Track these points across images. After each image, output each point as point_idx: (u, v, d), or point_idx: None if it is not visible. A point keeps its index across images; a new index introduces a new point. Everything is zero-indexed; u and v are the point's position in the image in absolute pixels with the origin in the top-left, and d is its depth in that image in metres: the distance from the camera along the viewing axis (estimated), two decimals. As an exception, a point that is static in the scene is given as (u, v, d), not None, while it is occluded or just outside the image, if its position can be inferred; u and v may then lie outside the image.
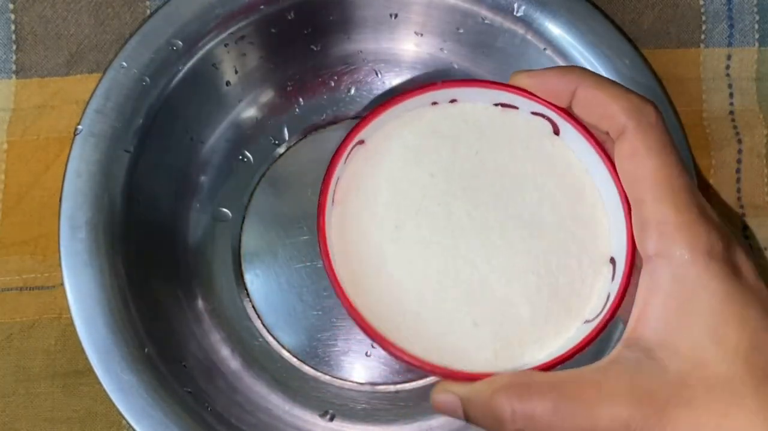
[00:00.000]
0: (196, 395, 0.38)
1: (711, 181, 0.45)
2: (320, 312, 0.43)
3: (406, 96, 0.30)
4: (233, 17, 0.42)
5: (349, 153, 0.30)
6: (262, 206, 0.44)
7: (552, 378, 0.26)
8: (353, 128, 0.30)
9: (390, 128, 0.31)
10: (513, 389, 0.26)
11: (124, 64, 0.40)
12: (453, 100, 0.31)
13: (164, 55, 0.40)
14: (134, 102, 0.40)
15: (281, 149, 0.45)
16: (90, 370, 0.36)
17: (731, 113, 0.46)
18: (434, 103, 0.31)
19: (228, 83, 0.44)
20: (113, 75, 0.40)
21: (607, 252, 0.30)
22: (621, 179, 0.28)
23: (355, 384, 0.42)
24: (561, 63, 0.42)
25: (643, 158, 0.27)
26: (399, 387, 0.42)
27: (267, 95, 0.46)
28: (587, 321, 0.29)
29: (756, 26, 0.47)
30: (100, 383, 0.36)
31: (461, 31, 0.44)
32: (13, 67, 0.45)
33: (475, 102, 0.31)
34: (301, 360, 0.42)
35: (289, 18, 0.43)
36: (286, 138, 0.46)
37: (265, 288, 0.43)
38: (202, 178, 0.44)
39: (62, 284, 0.37)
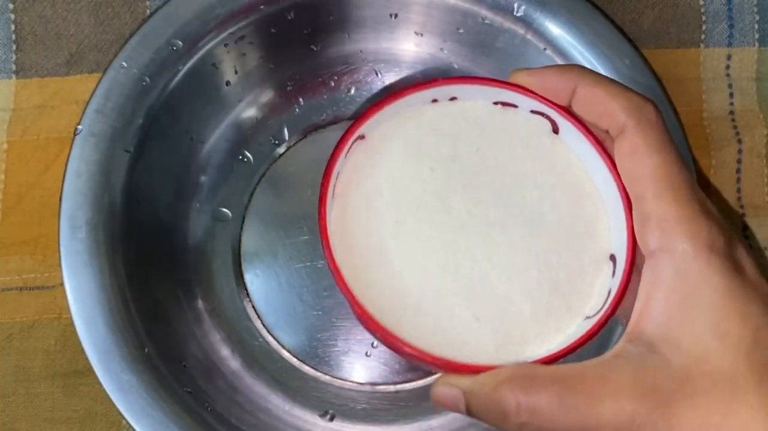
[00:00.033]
0: (196, 395, 0.38)
1: (711, 181, 0.45)
2: (320, 312, 0.43)
3: (406, 92, 0.30)
4: (233, 17, 0.42)
5: (350, 148, 0.30)
6: (262, 206, 0.44)
7: (556, 371, 0.26)
8: (354, 122, 0.30)
9: (390, 124, 0.31)
10: (518, 381, 0.26)
11: (124, 64, 0.40)
12: (453, 98, 0.31)
13: (164, 55, 0.40)
14: (134, 102, 0.40)
15: (281, 149, 0.45)
16: (90, 370, 0.36)
17: (731, 113, 0.46)
18: (434, 100, 0.31)
19: (228, 83, 0.44)
20: (113, 75, 0.40)
21: (607, 250, 0.30)
22: (621, 177, 0.29)
23: (355, 384, 0.42)
24: (561, 63, 0.42)
25: (644, 155, 0.27)
26: (399, 387, 0.42)
27: (267, 95, 0.46)
28: (588, 318, 0.29)
29: (756, 26, 0.47)
30: (100, 383, 0.36)
31: (461, 31, 0.44)
32: (13, 67, 0.45)
33: (475, 100, 0.31)
34: (301, 360, 0.42)
35: (289, 18, 0.43)
36: (286, 138, 0.46)
37: (265, 288, 0.43)
38: (202, 178, 0.44)
39: (62, 284, 0.37)
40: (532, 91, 0.30)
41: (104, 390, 0.36)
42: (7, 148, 0.44)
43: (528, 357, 0.28)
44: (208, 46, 0.42)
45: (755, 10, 0.46)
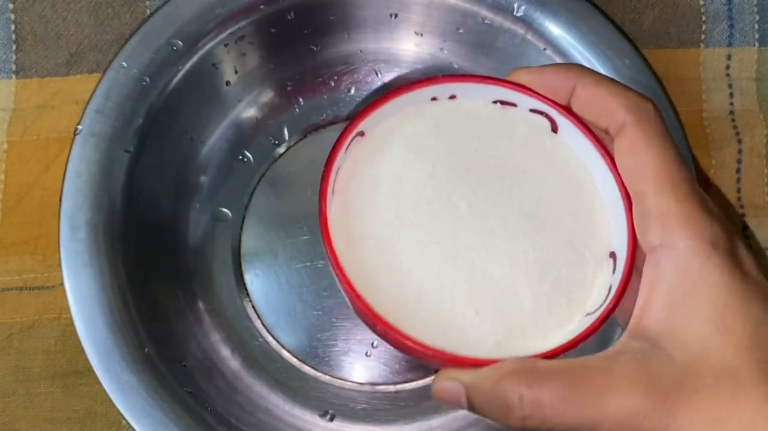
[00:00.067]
0: (196, 395, 0.38)
1: (711, 181, 0.45)
2: (320, 312, 0.43)
3: (406, 89, 0.31)
4: (233, 17, 0.42)
5: (349, 144, 0.30)
6: (262, 206, 0.44)
7: (559, 365, 0.26)
8: (354, 118, 0.30)
9: (390, 122, 0.31)
10: (521, 374, 0.26)
11: (124, 64, 0.40)
12: (452, 96, 0.31)
13: (164, 55, 0.40)
14: (134, 102, 0.40)
15: (281, 149, 0.45)
16: (90, 370, 0.36)
17: (731, 113, 0.46)
18: (434, 98, 0.31)
19: (228, 83, 0.44)
20: (113, 75, 0.40)
21: (607, 247, 0.30)
22: (621, 174, 0.29)
23: (355, 384, 0.42)
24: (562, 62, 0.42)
25: (644, 152, 0.27)
26: (399, 387, 0.42)
27: (267, 95, 0.46)
28: (588, 314, 0.29)
29: (756, 26, 0.47)
30: (100, 383, 0.36)
31: (461, 31, 0.44)
32: (13, 67, 0.45)
33: (474, 99, 0.31)
34: (301, 360, 0.42)
35: (289, 18, 0.43)
36: (286, 138, 0.46)
37: (265, 288, 0.43)
38: (202, 178, 0.44)
39: (62, 284, 0.37)
40: (531, 90, 0.30)
41: (104, 390, 0.36)
42: (7, 148, 0.44)
43: (529, 351, 0.28)
44: (208, 46, 0.42)
45: (755, 10, 0.46)
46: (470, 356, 0.27)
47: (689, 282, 0.26)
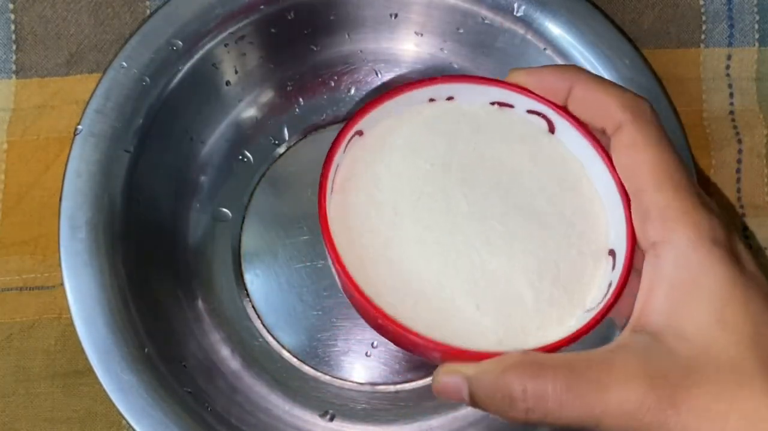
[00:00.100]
0: (196, 395, 0.38)
1: (711, 181, 0.45)
2: (320, 312, 0.43)
3: (404, 89, 0.31)
4: (233, 17, 0.42)
5: (348, 143, 0.30)
6: (262, 206, 0.44)
7: (563, 358, 0.26)
8: (352, 117, 0.30)
9: (388, 122, 0.31)
10: (525, 366, 0.26)
11: (124, 64, 0.40)
12: (450, 98, 0.32)
13: (164, 55, 0.40)
14: (134, 102, 0.40)
15: (281, 149, 0.45)
16: (90, 370, 0.36)
17: (731, 113, 0.46)
18: (431, 99, 0.32)
19: (228, 83, 0.44)
20: (113, 75, 0.40)
21: (605, 245, 0.30)
22: (619, 172, 0.29)
23: (355, 384, 0.42)
24: (561, 63, 0.42)
25: (641, 150, 0.28)
26: (399, 387, 0.42)
27: (267, 95, 0.46)
28: (588, 311, 0.29)
29: (756, 26, 0.47)
30: (100, 383, 0.36)
31: (461, 31, 0.44)
32: (13, 67, 0.45)
33: (472, 101, 0.32)
34: (301, 360, 0.42)
35: (289, 18, 0.43)
36: (286, 138, 0.46)
37: (265, 288, 0.43)
38: (202, 178, 0.44)
39: (62, 284, 0.37)
40: (529, 90, 0.30)
41: (104, 390, 0.36)
42: (7, 148, 0.44)
43: (529, 346, 0.28)
44: (208, 46, 0.42)
45: (755, 10, 0.46)
46: (472, 349, 0.27)
47: (690, 276, 0.26)
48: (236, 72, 0.44)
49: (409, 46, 0.46)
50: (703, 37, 0.47)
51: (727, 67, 0.47)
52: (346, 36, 0.45)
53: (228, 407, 0.39)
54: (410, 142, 0.31)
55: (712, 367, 0.25)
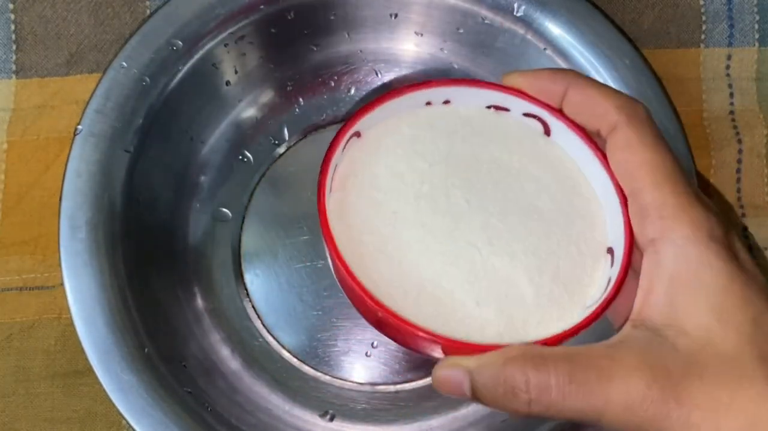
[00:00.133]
0: (196, 395, 0.38)
1: (711, 181, 0.45)
2: (320, 312, 0.43)
3: (401, 92, 0.31)
4: (233, 17, 0.42)
5: (346, 144, 0.31)
6: (262, 206, 0.44)
7: (564, 351, 0.27)
8: (349, 118, 0.30)
9: (386, 124, 0.31)
10: (527, 358, 0.26)
11: (124, 64, 0.40)
12: (446, 102, 0.32)
13: (164, 55, 0.40)
14: (134, 102, 0.40)
15: (281, 149, 0.45)
16: (90, 370, 0.36)
17: (731, 112, 0.46)
18: (428, 103, 0.32)
19: (228, 83, 0.44)
20: (113, 75, 0.40)
21: (604, 243, 0.30)
22: (615, 172, 0.29)
23: (355, 384, 0.42)
24: (561, 63, 0.42)
25: (637, 150, 0.28)
26: (399, 387, 0.42)
27: (267, 95, 0.46)
28: (588, 307, 0.29)
29: (756, 26, 0.47)
30: (100, 383, 0.36)
31: (461, 31, 0.44)
32: (13, 67, 0.45)
33: (468, 105, 0.32)
34: (301, 360, 0.42)
35: (289, 18, 0.43)
36: (286, 138, 0.46)
37: (265, 288, 0.43)
38: (202, 178, 0.44)
39: (62, 284, 0.37)
40: (525, 93, 0.31)
41: (104, 390, 0.36)
42: (7, 148, 0.44)
43: (531, 340, 0.28)
44: (208, 46, 0.42)
45: (755, 10, 0.46)
46: (473, 341, 0.27)
47: (689, 271, 0.26)
48: (236, 72, 0.44)
49: (409, 46, 0.46)
50: (703, 37, 0.47)
51: (727, 67, 0.47)
52: (346, 36, 0.45)
53: (228, 407, 0.39)
54: (408, 142, 0.31)
55: (713, 361, 0.26)
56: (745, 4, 0.46)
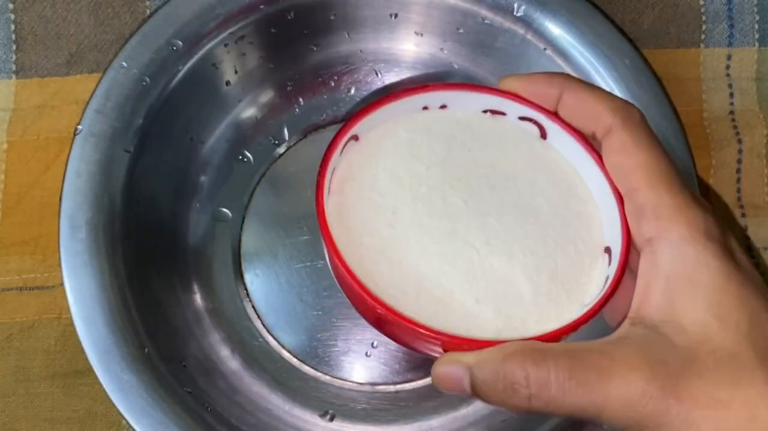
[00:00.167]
0: (196, 395, 0.38)
1: (711, 181, 0.45)
2: (320, 312, 0.43)
3: (397, 96, 0.31)
4: (233, 17, 0.42)
5: (344, 147, 0.31)
6: (262, 206, 0.44)
7: (564, 347, 0.27)
8: (346, 122, 0.31)
9: (383, 128, 0.32)
10: (527, 353, 0.26)
11: (124, 64, 0.40)
12: (443, 106, 0.32)
13: (164, 55, 0.40)
14: (134, 102, 0.40)
15: (281, 149, 0.45)
16: (90, 370, 0.36)
17: (731, 112, 0.46)
18: (425, 108, 0.32)
19: (228, 83, 0.44)
20: (113, 75, 0.40)
21: (601, 243, 0.31)
22: (610, 173, 0.29)
23: (355, 384, 0.42)
24: (561, 63, 0.42)
25: (632, 151, 0.28)
26: (399, 387, 0.42)
27: (267, 95, 0.46)
28: (586, 305, 0.29)
29: (756, 26, 0.47)
30: (100, 383, 0.36)
31: (461, 31, 0.44)
32: (13, 67, 0.45)
33: (465, 109, 0.32)
34: (301, 360, 0.42)
35: (289, 18, 0.43)
36: (286, 138, 0.46)
37: (265, 288, 0.43)
38: (202, 178, 0.44)
39: (62, 284, 0.37)
40: (521, 97, 0.31)
41: (104, 390, 0.36)
42: (7, 148, 0.44)
43: (530, 336, 0.28)
44: (208, 46, 0.42)
45: (755, 10, 0.46)
46: (473, 337, 0.28)
47: (686, 269, 0.27)
48: (236, 72, 0.44)
49: (409, 46, 0.46)
50: (703, 37, 0.47)
51: (727, 67, 0.47)
52: (346, 36, 0.45)
53: (228, 407, 0.39)
54: (406, 145, 0.31)
55: (711, 358, 0.26)
56: (745, 4, 0.46)
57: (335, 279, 0.31)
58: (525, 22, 0.42)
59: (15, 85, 0.45)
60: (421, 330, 0.27)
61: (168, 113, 0.41)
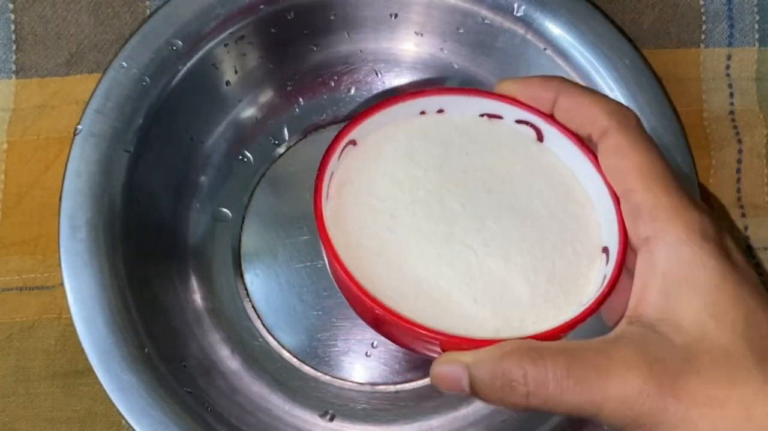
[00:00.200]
0: (196, 395, 0.38)
1: (711, 181, 0.45)
2: (320, 312, 0.43)
3: (395, 100, 0.31)
4: (233, 17, 0.42)
5: (342, 151, 0.31)
6: (262, 206, 0.44)
7: (562, 345, 0.27)
8: (344, 127, 0.31)
9: (381, 132, 0.32)
10: (525, 351, 0.26)
11: (124, 64, 0.40)
12: (440, 110, 0.32)
13: (164, 55, 0.40)
14: (134, 102, 0.40)
15: (281, 149, 0.45)
16: (90, 370, 0.36)
17: (731, 112, 0.46)
18: (422, 112, 0.32)
19: (228, 83, 0.44)
20: (113, 75, 0.40)
21: (599, 243, 0.31)
22: (607, 175, 0.30)
23: (355, 384, 0.42)
24: (561, 63, 0.42)
25: (628, 153, 0.28)
26: (399, 387, 0.42)
27: (267, 95, 0.46)
28: (583, 305, 0.29)
29: (756, 26, 0.47)
30: (100, 383, 0.36)
31: (461, 31, 0.44)
32: (13, 67, 0.45)
33: (462, 114, 0.32)
34: (301, 360, 0.42)
35: (289, 18, 0.43)
36: (286, 138, 0.46)
37: (265, 288, 0.43)
38: (202, 178, 0.44)
39: (62, 284, 0.37)
40: (517, 101, 0.31)
41: (104, 390, 0.36)
42: (7, 148, 0.44)
43: (527, 335, 0.28)
44: (208, 46, 0.42)
45: (755, 10, 0.46)
46: (471, 337, 0.28)
47: (683, 269, 0.27)
48: (236, 72, 0.44)
49: (409, 46, 0.46)
50: (703, 37, 0.47)
51: (727, 67, 0.47)
52: (346, 36, 0.45)
53: (228, 407, 0.39)
54: (404, 149, 0.32)
55: (708, 356, 0.26)
56: (745, 4, 0.46)
57: (334, 283, 0.31)
58: (525, 22, 0.42)
59: (15, 85, 0.45)
60: (420, 330, 0.27)
61: (168, 113, 0.41)
